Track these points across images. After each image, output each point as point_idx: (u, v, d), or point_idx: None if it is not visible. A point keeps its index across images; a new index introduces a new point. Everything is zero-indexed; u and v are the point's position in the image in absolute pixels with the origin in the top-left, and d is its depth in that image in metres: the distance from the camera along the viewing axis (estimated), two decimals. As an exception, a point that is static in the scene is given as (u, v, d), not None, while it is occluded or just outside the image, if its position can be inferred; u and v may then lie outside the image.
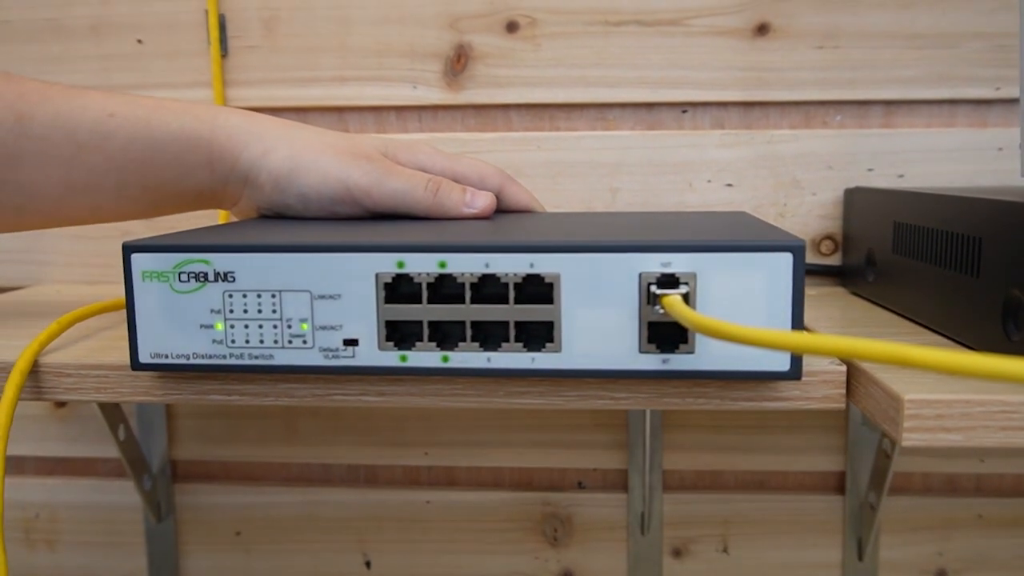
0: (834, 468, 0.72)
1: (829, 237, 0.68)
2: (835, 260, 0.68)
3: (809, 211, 0.68)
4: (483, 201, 0.52)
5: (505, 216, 0.55)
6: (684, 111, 0.69)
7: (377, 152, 0.53)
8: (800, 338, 0.30)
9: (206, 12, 0.70)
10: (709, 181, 0.68)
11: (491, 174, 0.56)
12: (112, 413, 0.70)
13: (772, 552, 0.74)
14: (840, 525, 0.72)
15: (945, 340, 0.46)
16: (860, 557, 0.72)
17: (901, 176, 0.67)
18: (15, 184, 0.49)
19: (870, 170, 0.67)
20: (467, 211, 0.52)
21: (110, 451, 0.78)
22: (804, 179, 0.68)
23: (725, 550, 0.74)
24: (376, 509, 0.77)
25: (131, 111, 0.50)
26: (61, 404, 0.78)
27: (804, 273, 0.37)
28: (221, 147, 0.51)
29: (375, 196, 0.51)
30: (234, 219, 0.58)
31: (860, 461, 0.70)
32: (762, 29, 0.67)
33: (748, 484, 0.74)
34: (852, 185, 0.67)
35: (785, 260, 0.37)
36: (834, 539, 0.73)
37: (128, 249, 0.40)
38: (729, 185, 0.68)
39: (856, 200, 0.64)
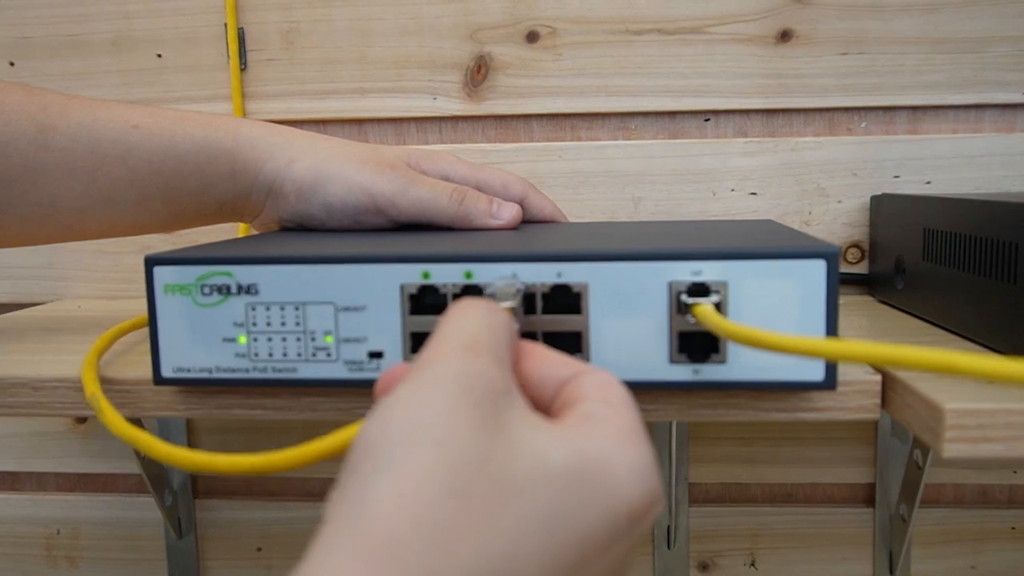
0: (863, 480, 0.71)
1: (855, 245, 0.67)
2: (862, 268, 0.67)
3: (835, 219, 0.67)
4: (509, 212, 0.52)
5: (531, 226, 0.54)
6: (707, 119, 0.68)
7: (401, 161, 0.53)
8: (840, 346, 0.29)
9: (225, 26, 0.70)
10: (733, 190, 0.68)
11: (514, 183, 0.55)
12: (133, 428, 0.69)
13: (801, 566, 0.72)
14: (870, 538, 0.71)
15: (979, 347, 0.45)
16: (891, 570, 0.70)
17: (928, 183, 0.66)
18: (36, 196, 0.49)
19: (896, 177, 0.66)
20: (493, 222, 0.51)
21: (131, 467, 0.78)
22: (829, 186, 0.67)
23: (753, 564, 0.73)
24: (398, 524, 0.76)
25: (154, 123, 0.50)
26: (82, 420, 0.78)
27: (838, 281, 0.36)
28: (244, 158, 0.51)
29: (400, 205, 0.50)
30: (254, 232, 0.58)
31: (890, 472, 0.69)
32: (785, 36, 0.66)
33: (776, 496, 0.73)
34: (878, 192, 0.66)
35: (818, 267, 0.36)
36: (864, 552, 0.71)
37: (150, 262, 0.40)
38: (753, 194, 0.68)
39: (883, 207, 0.63)
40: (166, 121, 0.50)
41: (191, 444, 0.77)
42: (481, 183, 0.54)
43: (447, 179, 0.54)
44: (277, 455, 0.31)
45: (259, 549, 0.78)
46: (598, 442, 0.26)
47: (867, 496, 0.71)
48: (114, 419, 0.38)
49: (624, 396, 0.28)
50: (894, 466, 0.68)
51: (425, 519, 0.22)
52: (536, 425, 0.26)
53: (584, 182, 0.69)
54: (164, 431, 0.76)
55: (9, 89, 0.49)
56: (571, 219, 0.61)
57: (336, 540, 0.22)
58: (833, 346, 0.30)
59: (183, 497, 0.76)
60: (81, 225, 0.51)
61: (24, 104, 0.48)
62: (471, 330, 0.28)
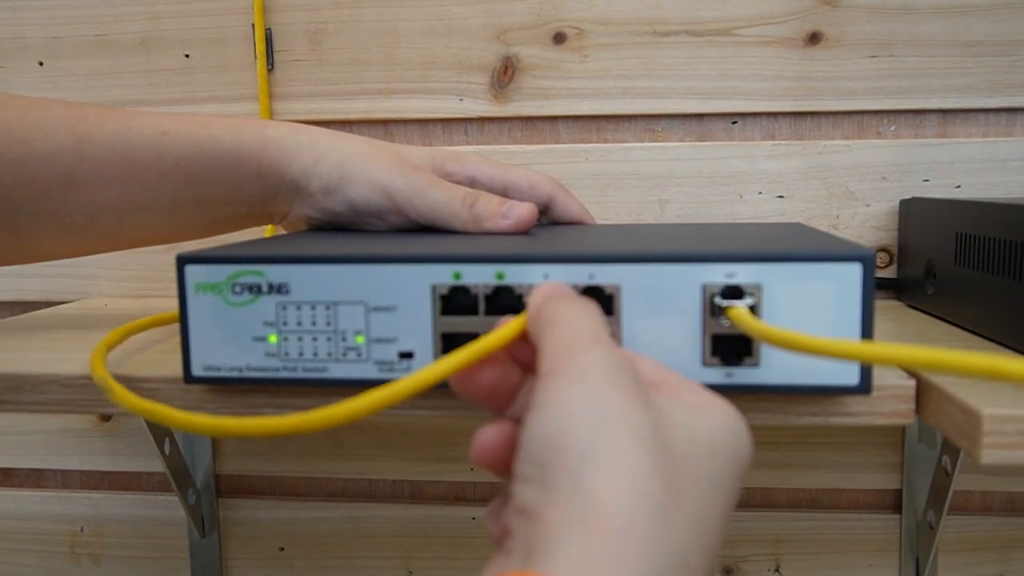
0: (890, 486, 0.70)
1: (884, 249, 0.67)
2: (890, 272, 0.67)
3: (863, 223, 0.67)
4: (518, 211, 0.49)
5: (562, 227, 0.54)
6: (734, 122, 0.68)
7: (425, 163, 0.53)
8: (878, 349, 0.29)
9: (253, 26, 0.70)
10: (760, 193, 0.67)
11: (542, 183, 0.55)
12: (158, 427, 0.70)
13: (826, 572, 0.72)
14: (897, 545, 0.70)
15: (1013, 353, 0.45)
16: (917, 578, 0.70)
17: (958, 187, 0.66)
18: (76, 205, 0.50)
19: (926, 181, 0.66)
20: (502, 223, 0.49)
21: (155, 465, 0.78)
22: (857, 190, 0.67)
23: (778, 570, 0.72)
24: (421, 525, 0.76)
25: (182, 128, 0.51)
26: (107, 418, 0.78)
27: (874, 284, 0.36)
28: (270, 159, 0.51)
29: (417, 207, 0.51)
30: (282, 232, 0.58)
31: (917, 479, 0.68)
32: (814, 38, 0.66)
33: (801, 502, 0.72)
34: (907, 196, 0.65)
35: (854, 270, 0.36)
36: (891, 559, 0.71)
37: (182, 261, 0.40)
38: (780, 197, 0.67)
39: (913, 211, 0.62)
40: (193, 126, 0.51)
41: (215, 443, 0.77)
42: (508, 184, 0.54)
43: (473, 180, 0.54)
44: (302, 416, 0.32)
45: (282, 548, 0.78)
46: (722, 415, 0.30)
47: (894, 502, 0.71)
48: (125, 396, 0.39)
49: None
50: (922, 472, 0.68)
51: (645, 501, 0.24)
52: (670, 400, 0.30)
53: (610, 184, 0.68)
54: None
55: (52, 105, 0.51)
56: (598, 221, 0.61)
57: (569, 539, 0.24)
58: (872, 349, 0.29)
59: (207, 496, 0.76)
60: (120, 232, 0.53)
61: (64, 118, 0.50)
62: (589, 323, 0.31)
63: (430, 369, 0.31)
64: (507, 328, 0.33)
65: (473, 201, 0.50)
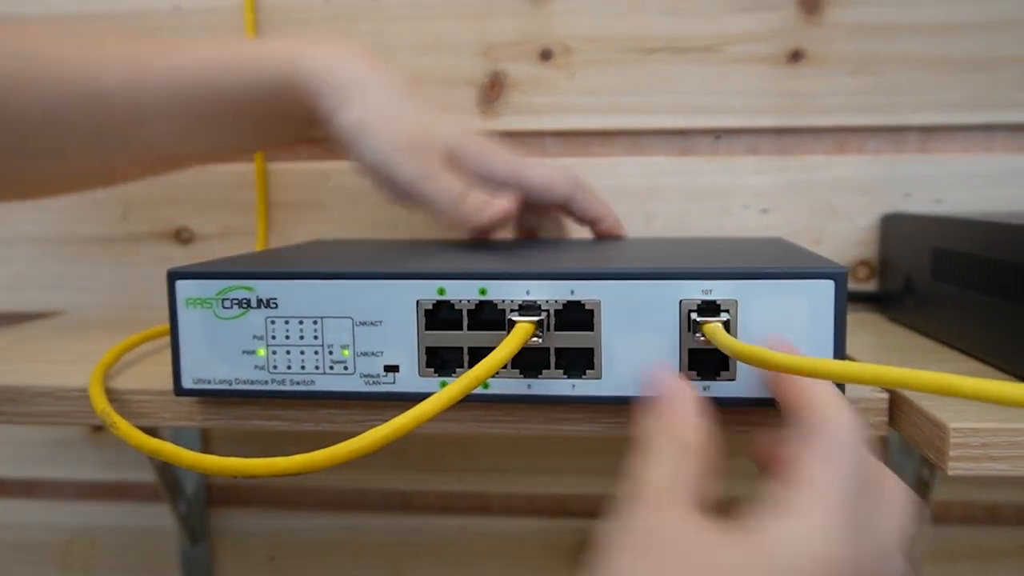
0: (872, 496, 0.71)
1: (865, 263, 0.68)
2: (871, 286, 0.68)
3: (845, 237, 0.68)
4: (493, 209, 0.53)
5: (545, 243, 0.55)
6: (717, 137, 0.69)
7: (442, 145, 0.54)
8: (845, 367, 0.30)
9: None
10: (744, 207, 0.68)
11: (559, 184, 0.56)
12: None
13: (809, 581, 0.73)
14: (879, 554, 0.71)
15: (988, 368, 0.46)
16: (899, 587, 0.70)
17: (939, 201, 0.67)
18: (142, 136, 0.54)
19: (907, 196, 0.67)
20: (482, 216, 0.53)
21: (146, 475, 0.79)
22: (840, 205, 0.68)
23: (761, 579, 0.73)
24: (410, 535, 0.76)
25: (228, 56, 0.54)
26: (98, 428, 0.79)
27: (846, 301, 0.37)
28: (302, 92, 0.53)
29: (413, 195, 0.53)
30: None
31: (899, 489, 0.69)
32: (796, 56, 0.67)
33: (784, 512, 0.73)
34: (889, 210, 0.67)
35: (827, 288, 0.37)
36: (873, 569, 0.72)
37: (173, 276, 0.41)
38: (764, 211, 0.68)
39: (894, 226, 0.63)
40: (234, 57, 0.54)
41: (206, 453, 0.77)
42: (523, 184, 0.55)
43: (490, 175, 0.55)
44: (316, 455, 0.33)
45: (272, 558, 0.78)
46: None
47: (876, 512, 0.71)
48: (129, 431, 0.40)
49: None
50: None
51: None
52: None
53: (597, 198, 0.69)
54: (180, 440, 0.77)
55: (104, 43, 0.54)
56: (585, 235, 0.62)
57: None
58: (838, 367, 0.30)
59: (197, 505, 0.77)
60: (184, 156, 0.59)
61: (120, 54, 0.53)
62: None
63: (436, 398, 0.32)
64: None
65: (461, 200, 0.53)
